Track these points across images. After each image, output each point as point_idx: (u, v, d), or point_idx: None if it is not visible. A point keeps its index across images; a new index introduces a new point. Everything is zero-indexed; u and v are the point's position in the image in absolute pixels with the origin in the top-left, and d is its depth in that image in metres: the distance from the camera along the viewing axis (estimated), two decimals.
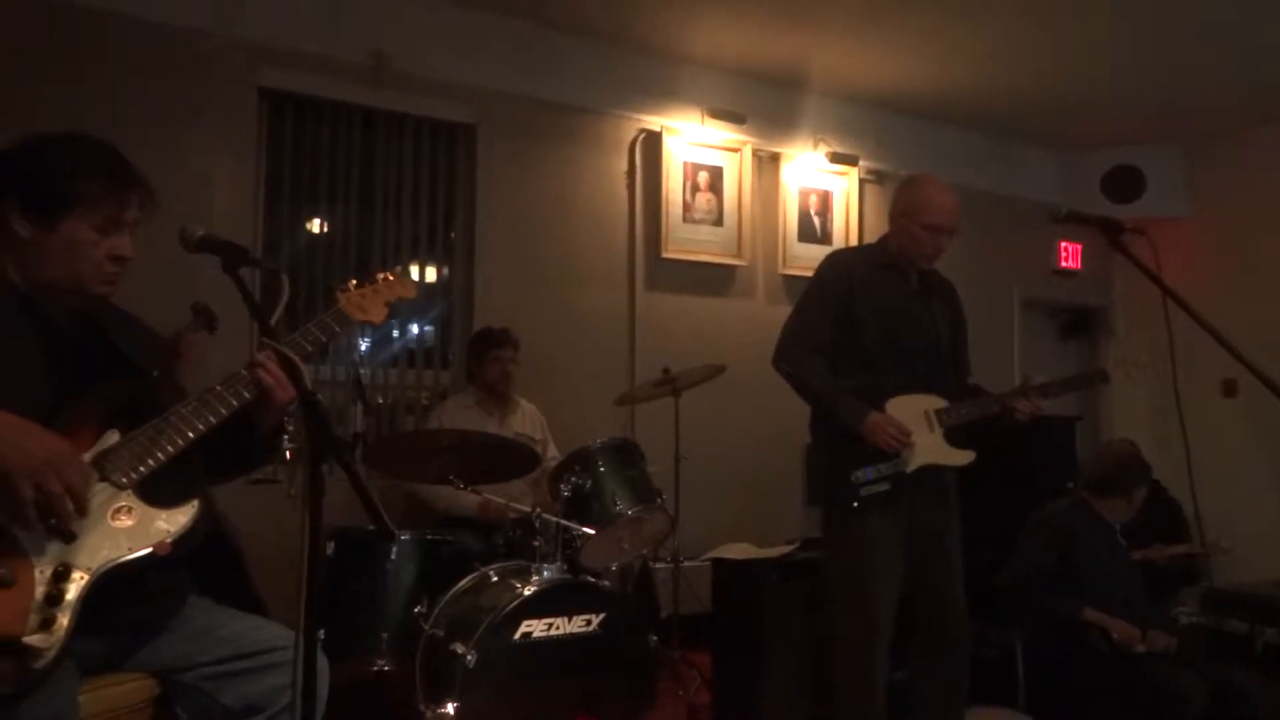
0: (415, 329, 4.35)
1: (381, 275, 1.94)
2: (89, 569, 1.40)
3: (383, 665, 2.82)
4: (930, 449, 2.62)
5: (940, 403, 2.67)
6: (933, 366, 2.72)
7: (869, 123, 5.47)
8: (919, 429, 2.60)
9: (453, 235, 4.41)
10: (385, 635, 2.84)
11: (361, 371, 3.93)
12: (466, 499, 3.34)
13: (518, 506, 3.09)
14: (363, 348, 4.14)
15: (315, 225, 4.16)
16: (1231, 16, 4.23)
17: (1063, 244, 6.23)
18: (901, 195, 2.74)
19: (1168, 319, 2.25)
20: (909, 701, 2.76)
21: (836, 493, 2.62)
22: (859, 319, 2.67)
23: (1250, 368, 2.17)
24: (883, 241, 2.82)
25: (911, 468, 2.59)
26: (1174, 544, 3.79)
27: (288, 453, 1.63)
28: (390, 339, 4.25)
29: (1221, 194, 5.85)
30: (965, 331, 2.89)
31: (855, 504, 2.56)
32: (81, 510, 1.39)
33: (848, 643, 2.64)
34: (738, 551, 3.25)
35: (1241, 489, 5.12)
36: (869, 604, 2.59)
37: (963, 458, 2.67)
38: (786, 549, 3.17)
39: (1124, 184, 5.98)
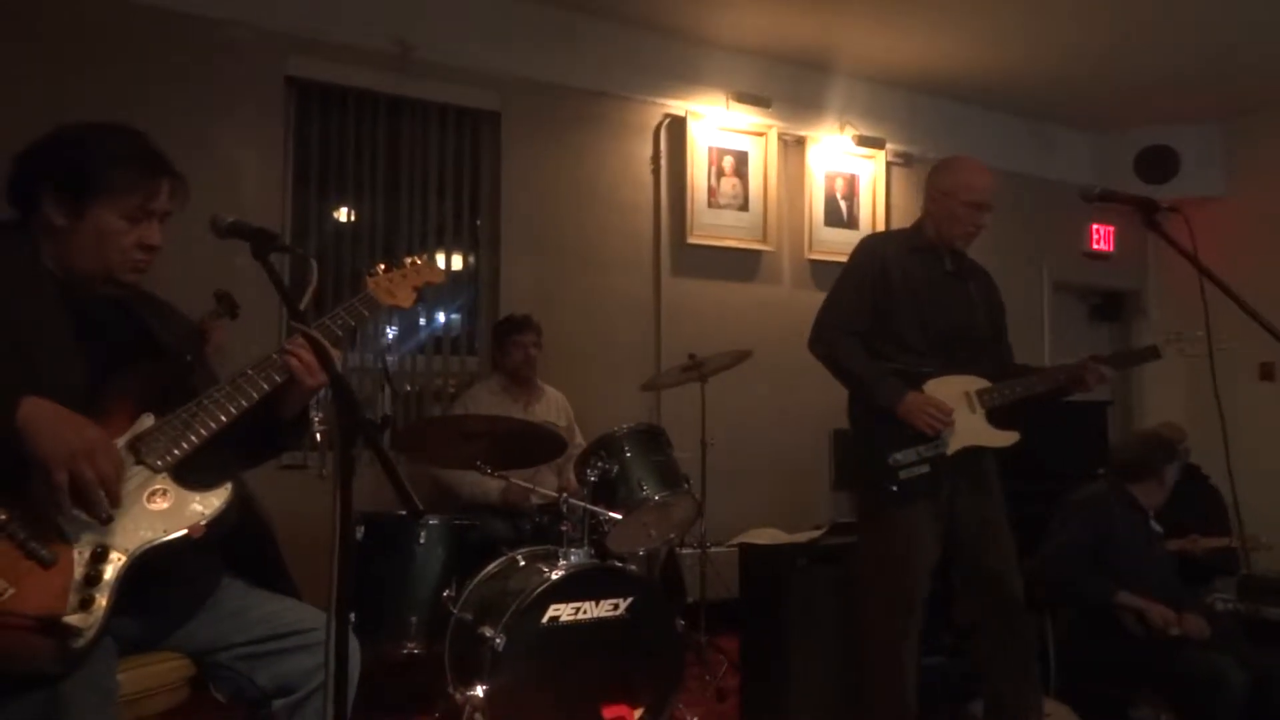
0: (441, 317, 4.38)
1: (410, 260, 1.95)
2: (126, 550, 1.43)
3: (412, 648, 2.86)
4: (971, 430, 2.57)
5: (981, 383, 2.62)
6: (970, 349, 2.68)
7: (896, 105, 5.40)
8: (959, 410, 2.56)
9: (478, 222, 4.42)
10: (414, 619, 2.87)
11: (389, 358, 3.97)
12: (489, 485, 3.36)
13: (544, 492, 3.10)
14: (390, 335, 4.17)
15: (342, 213, 4.19)
16: None
17: (1094, 226, 6.13)
18: (939, 176, 2.72)
19: (1205, 301, 2.20)
20: (983, 697, 2.71)
21: (874, 477, 2.57)
22: (893, 302, 2.64)
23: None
24: (917, 225, 2.80)
25: (952, 449, 2.54)
26: (1211, 535, 3.73)
27: (318, 435, 1.65)
28: (417, 327, 4.28)
29: (1259, 173, 5.72)
30: (1004, 315, 2.85)
31: (895, 488, 2.51)
32: (114, 498, 1.41)
33: (879, 629, 2.61)
34: (764, 537, 3.24)
35: None
36: (904, 591, 2.55)
37: (1005, 439, 2.61)
38: (814, 534, 3.15)
39: (1158, 164, 5.86)
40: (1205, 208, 5.50)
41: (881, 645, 2.60)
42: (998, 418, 2.62)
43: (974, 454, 2.60)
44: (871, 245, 2.82)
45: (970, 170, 2.68)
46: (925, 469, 2.52)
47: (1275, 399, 5.21)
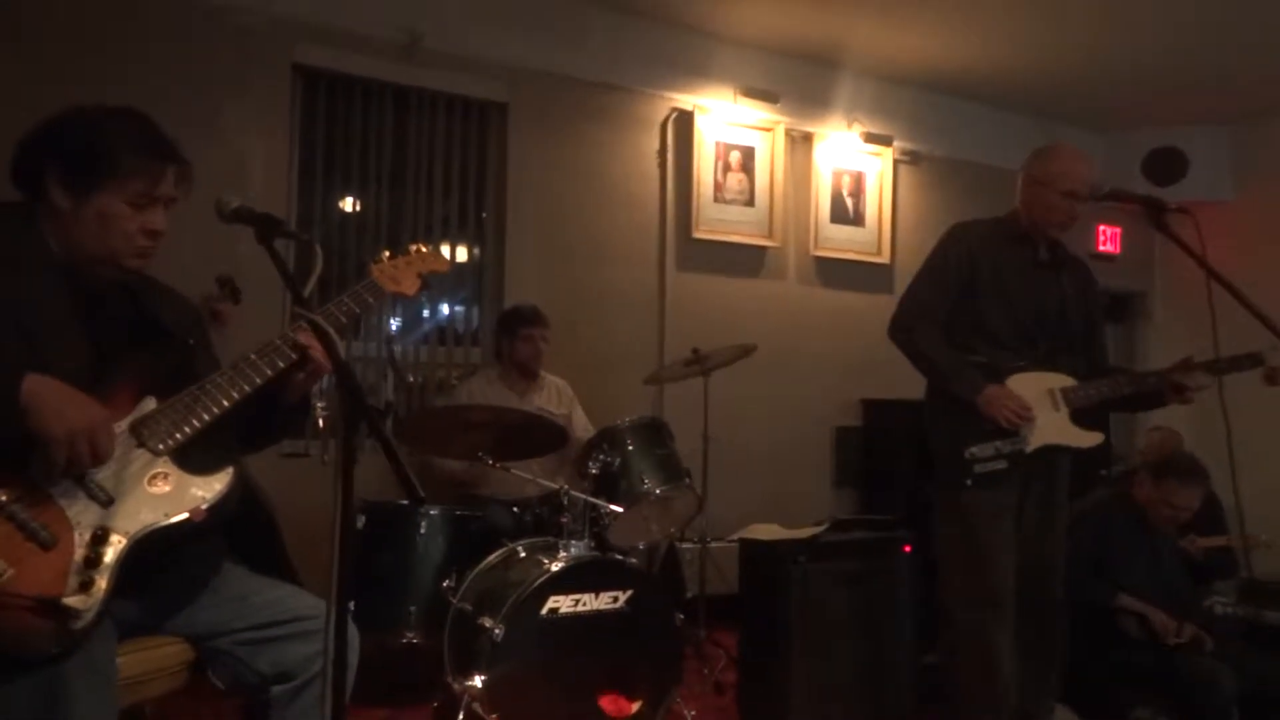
0: (446, 308, 4.38)
1: (414, 247, 1.95)
2: (127, 533, 1.43)
3: (411, 638, 2.86)
4: (1053, 428, 2.49)
5: (1066, 380, 2.54)
6: (1059, 343, 2.59)
7: (904, 102, 5.38)
8: (1042, 407, 2.48)
9: (484, 214, 4.42)
10: (414, 608, 2.87)
11: (395, 347, 3.97)
12: (453, 464, 3.40)
13: (544, 482, 3.09)
14: (394, 326, 4.17)
15: (348, 203, 4.18)
16: None
17: (1101, 227, 6.11)
18: (1035, 164, 2.65)
19: (1211, 302, 2.20)
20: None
21: (949, 469, 2.51)
22: (981, 291, 2.56)
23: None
24: (1012, 214, 2.70)
25: (1032, 447, 2.46)
26: (1210, 536, 3.72)
27: (321, 421, 1.65)
28: (421, 318, 4.28)
29: (1267, 177, 5.69)
30: (1099, 310, 2.75)
31: (969, 481, 2.45)
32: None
33: (967, 625, 2.52)
34: (765, 532, 3.23)
35: None
36: (988, 581, 2.48)
37: (1089, 439, 2.53)
38: (815, 530, 3.15)
39: (1166, 165, 5.84)
40: (1212, 211, 5.44)
41: (970, 641, 2.51)
42: (1082, 416, 2.54)
43: (1051, 454, 2.52)
44: (958, 234, 2.72)
45: (1069, 158, 2.60)
46: (1002, 465, 2.44)
47: (1279, 402, 5.20)
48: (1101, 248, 6.12)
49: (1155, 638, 2.77)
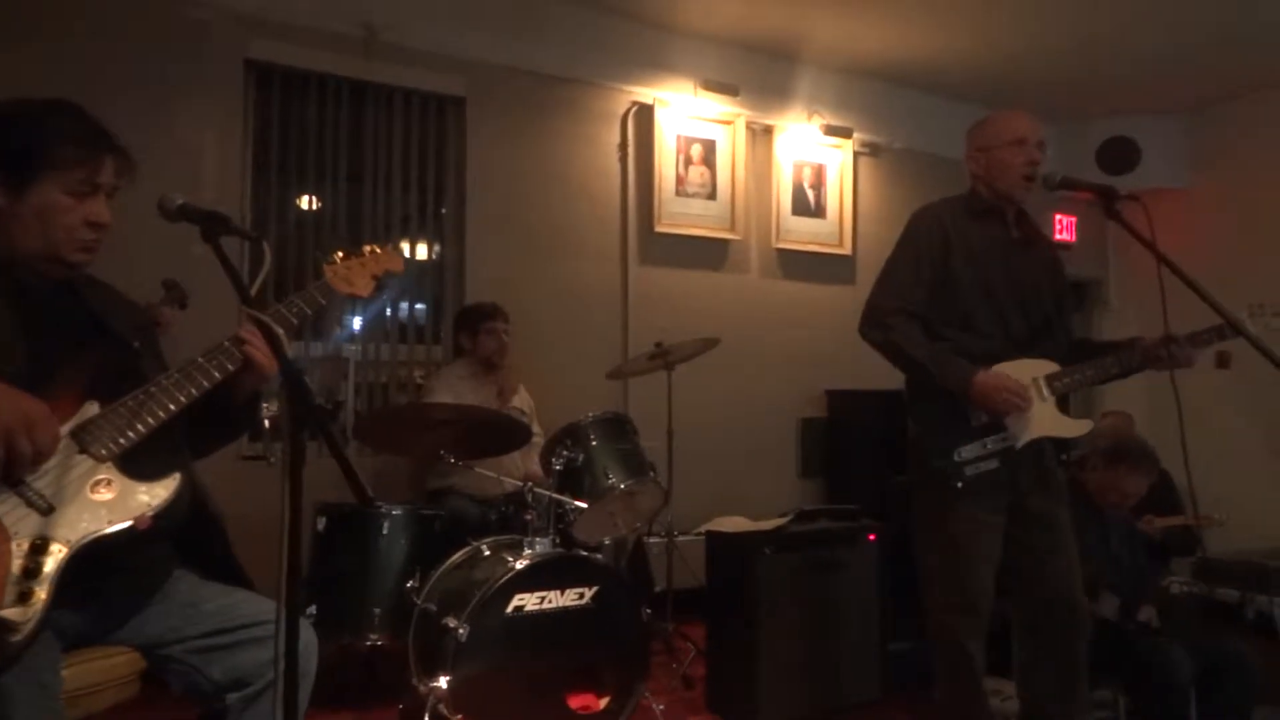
0: (406, 305, 4.32)
1: (369, 248, 1.90)
2: (68, 542, 1.38)
3: (376, 640, 2.83)
4: (1042, 420, 2.38)
5: (1050, 367, 2.42)
6: (1037, 326, 2.47)
7: (864, 95, 5.42)
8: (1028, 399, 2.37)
9: (443, 210, 4.37)
10: (378, 610, 2.85)
11: (350, 349, 3.92)
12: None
13: (510, 480, 3.07)
14: (356, 325, 4.12)
15: (304, 200, 4.11)
16: None
17: (1057, 216, 6.20)
18: (974, 136, 2.57)
19: (1162, 288, 2.23)
20: (1022, 695, 2.57)
21: (936, 473, 2.37)
22: (955, 275, 2.43)
23: (1245, 335, 2.16)
24: (970, 192, 2.57)
25: (1022, 442, 2.35)
26: (1166, 516, 3.79)
27: (267, 422, 1.61)
28: (382, 315, 4.22)
29: (1219, 163, 5.81)
30: (1065, 282, 2.62)
31: (959, 484, 2.33)
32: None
33: (946, 632, 2.44)
34: (731, 525, 3.24)
35: (1235, 460, 5.14)
36: (968, 593, 2.38)
37: (1078, 428, 2.44)
38: (780, 521, 3.16)
39: (1119, 155, 5.94)
40: (1166, 199, 5.58)
41: (948, 649, 2.44)
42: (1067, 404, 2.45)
43: (1038, 446, 2.41)
44: (931, 213, 2.54)
45: (1002, 115, 2.52)
46: (994, 464, 2.34)
47: (1230, 386, 5.32)
48: (1058, 236, 6.21)
49: (1109, 621, 2.81)
